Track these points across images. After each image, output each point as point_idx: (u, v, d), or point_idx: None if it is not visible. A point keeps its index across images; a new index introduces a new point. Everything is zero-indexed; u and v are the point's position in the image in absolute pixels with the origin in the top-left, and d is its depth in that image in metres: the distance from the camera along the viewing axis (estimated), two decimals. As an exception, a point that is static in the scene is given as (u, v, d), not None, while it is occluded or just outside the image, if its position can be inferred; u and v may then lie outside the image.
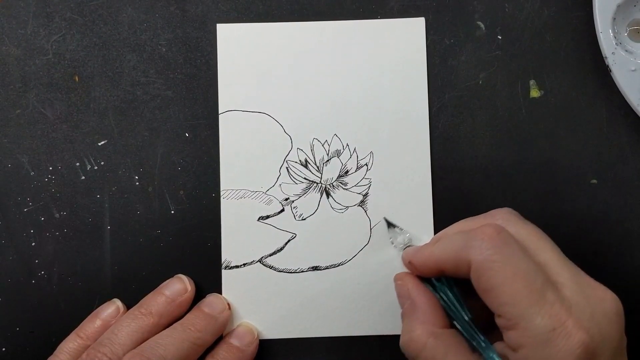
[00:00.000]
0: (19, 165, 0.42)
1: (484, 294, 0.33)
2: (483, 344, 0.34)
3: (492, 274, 0.32)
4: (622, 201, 0.42)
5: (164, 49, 0.43)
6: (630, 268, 0.42)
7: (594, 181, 0.42)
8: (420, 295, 0.37)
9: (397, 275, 0.39)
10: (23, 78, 0.43)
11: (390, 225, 0.42)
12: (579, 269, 0.34)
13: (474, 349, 0.34)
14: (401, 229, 0.41)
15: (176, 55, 0.43)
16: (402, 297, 0.38)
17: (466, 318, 0.35)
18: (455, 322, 0.35)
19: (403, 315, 0.37)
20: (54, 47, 0.43)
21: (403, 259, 0.39)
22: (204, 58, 0.43)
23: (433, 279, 0.37)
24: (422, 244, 0.40)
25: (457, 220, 0.42)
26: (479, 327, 0.34)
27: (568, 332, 0.31)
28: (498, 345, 0.33)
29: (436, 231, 0.42)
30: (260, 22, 0.43)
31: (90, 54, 0.43)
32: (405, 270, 0.39)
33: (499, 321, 0.32)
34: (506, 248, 0.33)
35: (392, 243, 0.41)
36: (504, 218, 0.36)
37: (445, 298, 0.36)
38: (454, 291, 0.36)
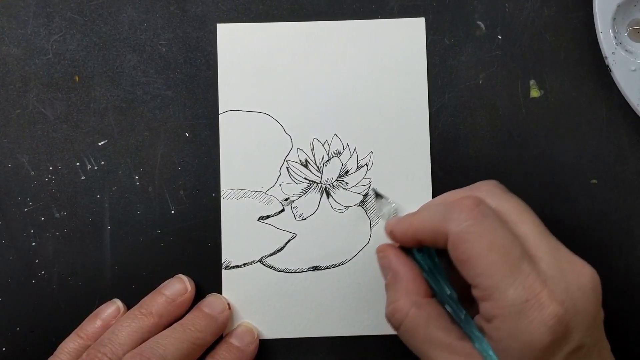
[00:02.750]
0: (19, 165, 0.42)
1: (460, 265, 0.33)
2: (463, 318, 0.34)
3: (468, 245, 0.32)
4: (622, 201, 0.42)
5: (164, 49, 0.43)
6: (630, 268, 0.42)
7: (594, 181, 0.42)
8: (402, 265, 0.36)
9: (379, 247, 0.39)
10: (23, 78, 0.43)
11: (378, 195, 0.41)
12: (559, 243, 0.34)
13: (454, 320, 0.34)
14: (388, 200, 0.41)
15: (176, 55, 0.43)
16: (385, 268, 0.38)
17: (448, 292, 0.35)
18: (435, 296, 0.35)
19: (386, 287, 0.37)
20: (54, 47, 0.43)
21: (385, 229, 0.39)
22: (204, 58, 0.43)
23: (415, 250, 0.37)
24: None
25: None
26: (461, 300, 0.35)
27: (541, 303, 0.31)
28: (478, 319, 0.33)
29: (436, 231, 0.42)
30: (260, 22, 0.43)
31: (90, 54, 0.43)
32: (388, 241, 0.39)
33: (474, 292, 0.32)
34: (484, 220, 0.32)
35: (379, 214, 0.41)
36: (488, 190, 0.35)
37: (427, 269, 0.36)
38: (435, 263, 0.36)
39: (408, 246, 0.37)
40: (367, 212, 0.42)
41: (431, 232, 0.34)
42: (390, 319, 0.36)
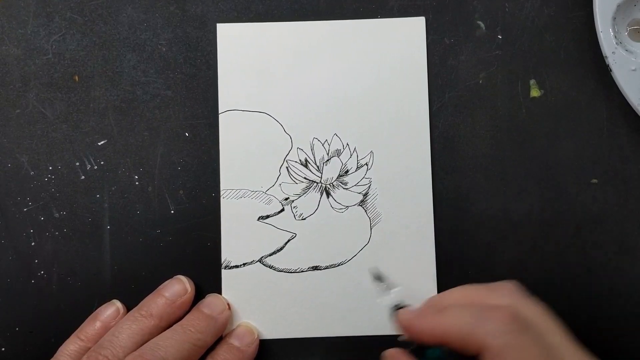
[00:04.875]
0: (19, 165, 0.42)
1: None
2: None
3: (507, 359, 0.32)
4: (622, 201, 0.42)
5: (164, 49, 0.43)
6: (630, 268, 0.42)
7: (594, 181, 0.42)
8: None
9: (388, 352, 0.38)
10: (23, 78, 0.43)
11: (377, 278, 0.41)
12: (585, 352, 0.34)
13: None
14: (392, 285, 0.40)
15: (176, 55, 0.43)
16: None
17: None
18: None
19: None
20: (54, 47, 0.43)
21: (399, 321, 0.37)
22: (204, 58, 0.43)
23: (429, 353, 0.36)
24: (416, 301, 0.38)
25: (456, 222, 0.42)
26: None
27: None
28: None
29: (436, 231, 0.42)
30: (260, 22, 0.43)
31: (90, 53, 0.43)
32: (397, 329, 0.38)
33: None
34: (522, 334, 0.33)
35: (378, 299, 0.40)
36: (510, 295, 0.36)
37: None
38: None
39: (424, 343, 0.36)
40: (367, 212, 0.42)
41: (462, 338, 0.34)
42: None
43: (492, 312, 0.34)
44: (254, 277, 0.42)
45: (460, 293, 0.37)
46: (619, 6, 0.41)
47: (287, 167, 0.42)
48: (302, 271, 0.42)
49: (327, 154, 0.42)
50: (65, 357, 0.38)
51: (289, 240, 0.42)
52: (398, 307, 0.38)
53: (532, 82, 0.43)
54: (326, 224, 0.42)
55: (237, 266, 0.42)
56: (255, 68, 0.43)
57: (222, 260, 0.42)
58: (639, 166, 0.42)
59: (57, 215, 0.42)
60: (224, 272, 0.42)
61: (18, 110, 0.42)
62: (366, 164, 0.42)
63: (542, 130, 0.42)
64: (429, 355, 0.36)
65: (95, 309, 0.41)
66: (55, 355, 0.39)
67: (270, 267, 0.42)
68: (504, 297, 0.35)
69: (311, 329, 0.41)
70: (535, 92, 0.43)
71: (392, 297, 0.40)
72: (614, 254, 0.42)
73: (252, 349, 0.40)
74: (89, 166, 0.42)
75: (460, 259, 0.42)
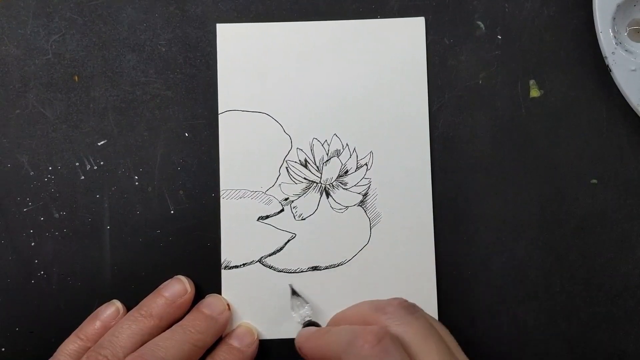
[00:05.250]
0: (19, 165, 0.42)
1: None
2: None
3: None
4: (622, 201, 0.42)
5: (164, 49, 0.43)
6: (630, 268, 0.42)
7: (594, 181, 0.42)
8: None
9: None
10: (23, 78, 0.43)
11: (294, 293, 0.41)
12: None
13: None
14: (304, 301, 0.41)
15: (176, 55, 0.43)
16: None
17: None
18: None
19: None
20: (53, 47, 0.43)
21: (295, 343, 0.39)
22: (204, 58, 0.43)
23: None
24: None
25: (456, 222, 0.42)
26: None
27: None
28: None
29: (436, 231, 0.42)
30: (260, 22, 0.43)
31: (90, 54, 0.43)
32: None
33: None
34: (384, 358, 0.32)
35: (293, 314, 0.41)
36: (393, 313, 0.35)
37: None
38: None
39: None
40: (367, 212, 0.42)
41: (335, 359, 0.34)
42: None
43: (360, 333, 0.33)
44: (254, 277, 0.42)
45: (353, 311, 0.38)
46: (618, 6, 0.41)
47: (286, 168, 0.42)
48: (302, 271, 0.42)
49: (327, 154, 0.42)
50: (65, 357, 0.38)
51: (288, 241, 0.42)
52: (308, 324, 0.40)
53: (532, 82, 0.43)
54: (326, 224, 0.42)
55: (237, 266, 0.42)
56: (255, 68, 0.43)
57: (222, 260, 0.42)
58: (639, 166, 0.42)
59: (57, 215, 0.42)
60: (223, 272, 0.42)
61: (18, 111, 0.42)
62: (366, 164, 0.42)
63: (542, 130, 0.42)
64: None
65: (95, 309, 0.41)
66: (54, 355, 0.39)
67: (270, 267, 0.42)
68: (385, 314, 0.35)
69: (311, 329, 0.41)
70: (535, 92, 0.43)
71: (305, 312, 0.40)
72: (614, 254, 0.42)
73: (252, 349, 0.40)
74: (88, 166, 0.42)
75: (459, 259, 0.42)
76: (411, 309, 0.36)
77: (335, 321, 0.40)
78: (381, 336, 0.33)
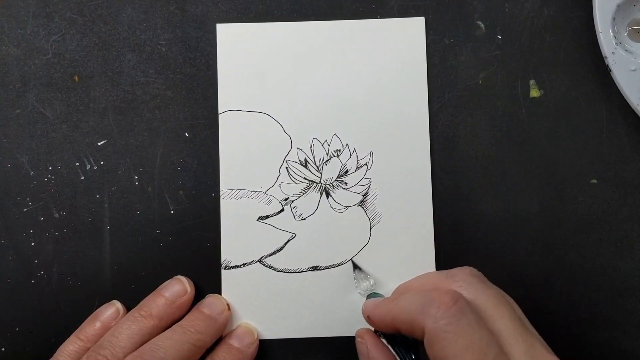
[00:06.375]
0: (19, 165, 0.42)
1: None
2: None
3: (444, 344, 0.32)
4: (622, 201, 0.42)
5: (164, 49, 0.43)
6: (630, 268, 0.42)
7: (594, 181, 0.42)
8: (379, 355, 0.37)
9: (358, 331, 0.39)
10: (23, 78, 0.43)
11: (356, 267, 0.41)
12: (535, 338, 0.34)
13: None
14: (367, 275, 0.41)
15: (176, 55, 0.43)
16: (362, 354, 0.38)
17: None
18: None
19: None
20: (53, 47, 0.43)
21: (363, 312, 0.39)
22: (204, 58, 0.43)
23: (390, 344, 0.37)
24: (387, 292, 0.39)
25: (456, 222, 0.42)
26: None
27: None
28: None
29: (435, 231, 0.42)
30: (260, 22, 0.43)
31: (90, 54, 0.43)
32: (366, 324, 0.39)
33: None
34: (461, 318, 0.32)
35: (356, 287, 0.41)
36: (465, 280, 0.36)
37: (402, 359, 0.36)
38: (411, 355, 0.36)
39: (385, 332, 0.37)
40: (367, 212, 0.42)
41: (408, 324, 0.34)
42: None
43: (435, 296, 0.33)
44: (254, 277, 0.42)
45: (421, 280, 0.38)
46: (618, 6, 0.41)
47: (286, 168, 0.42)
48: (302, 271, 0.42)
49: (327, 154, 0.42)
50: (65, 357, 0.38)
51: (288, 241, 0.42)
52: (371, 296, 0.40)
53: (531, 82, 0.43)
54: (326, 224, 0.42)
55: (237, 266, 0.42)
56: (255, 68, 0.43)
57: (222, 260, 0.42)
58: (639, 166, 0.42)
59: (57, 215, 0.42)
60: (223, 272, 0.42)
61: (18, 110, 0.42)
62: (366, 164, 0.42)
63: (542, 130, 0.42)
64: (391, 349, 0.37)
65: (95, 309, 0.41)
66: (54, 355, 0.39)
67: (270, 267, 0.42)
68: (456, 282, 0.35)
69: (311, 329, 0.41)
70: (535, 92, 0.43)
71: (369, 285, 0.41)
72: (614, 254, 0.42)
73: (252, 349, 0.40)
74: (88, 166, 0.42)
75: (459, 259, 0.42)
76: (482, 277, 0.36)
77: (401, 291, 0.39)
78: (457, 298, 0.33)
